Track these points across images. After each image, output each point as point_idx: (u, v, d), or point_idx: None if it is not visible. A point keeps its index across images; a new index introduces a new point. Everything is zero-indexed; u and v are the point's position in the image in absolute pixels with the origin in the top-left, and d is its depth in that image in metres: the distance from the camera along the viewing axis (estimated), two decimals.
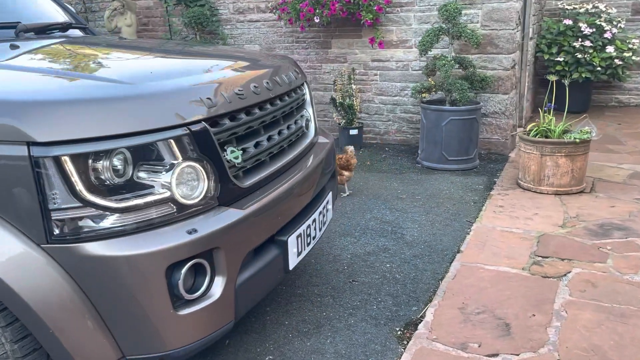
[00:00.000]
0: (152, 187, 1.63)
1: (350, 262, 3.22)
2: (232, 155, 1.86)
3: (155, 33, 7.03)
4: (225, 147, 1.85)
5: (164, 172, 1.64)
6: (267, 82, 2.16)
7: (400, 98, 5.84)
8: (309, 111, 2.66)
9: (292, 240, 2.07)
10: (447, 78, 4.82)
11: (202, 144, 1.72)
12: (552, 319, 2.57)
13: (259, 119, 2.05)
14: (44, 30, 2.76)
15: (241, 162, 1.89)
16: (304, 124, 2.49)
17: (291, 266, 2.08)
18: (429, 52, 5.18)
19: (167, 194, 1.64)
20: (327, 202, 2.50)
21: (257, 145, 2.03)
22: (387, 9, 5.56)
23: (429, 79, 5.17)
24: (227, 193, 1.81)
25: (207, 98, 1.78)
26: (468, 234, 3.58)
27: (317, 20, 5.47)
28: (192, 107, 1.72)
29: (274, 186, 2.05)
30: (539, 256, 3.21)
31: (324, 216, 2.44)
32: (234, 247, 1.75)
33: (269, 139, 2.13)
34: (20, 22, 2.61)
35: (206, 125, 1.74)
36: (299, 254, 2.14)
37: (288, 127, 2.33)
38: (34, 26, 2.61)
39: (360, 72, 5.95)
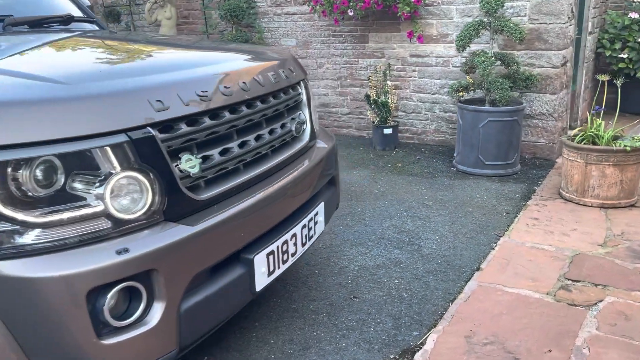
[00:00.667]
0: (85, 199, 1.46)
1: (356, 275, 2.98)
2: (188, 164, 1.67)
3: (195, 26, 6.98)
4: (179, 155, 1.66)
5: (97, 183, 1.47)
6: (244, 82, 1.96)
7: (439, 96, 5.49)
8: (304, 113, 2.44)
9: (260, 259, 1.87)
10: (486, 76, 4.45)
11: (146, 152, 1.54)
12: (571, 357, 2.24)
13: (228, 123, 1.85)
14: (40, 24, 2.66)
15: (198, 172, 1.70)
16: (294, 128, 2.27)
17: (259, 287, 1.88)
18: (469, 48, 4.82)
19: (101, 207, 1.47)
20: (317, 214, 2.28)
21: (224, 152, 1.84)
22: (427, 1, 5.22)
23: (468, 77, 4.80)
24: (177, 207, 1.63)
25: (157, 101, 1.60)
26: (493, 249, 3.26)
27: (351, 14, 5.21)
28: (136, 110, 1.54)
29: (243, 197, 1.85)
30: (568, 279, 2.85)
31: (310, 230, 2.21)
32: (177, 269, 1.56)
33: (243, 144, 1.93)
34: (11, 15, 2.53)
35: (151, 131, 1.56)
36: (270, 273, 1.94)
37: (272, 132, 2.12)
38: (25, 20, 2.51)
39: (397, 68, 5.64)
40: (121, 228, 1.51)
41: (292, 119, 2.31)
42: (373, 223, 3.68)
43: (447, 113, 5.51)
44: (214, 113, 1.80)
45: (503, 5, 4.43)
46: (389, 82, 5.48)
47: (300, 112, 2.42)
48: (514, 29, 4.41)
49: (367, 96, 5.51)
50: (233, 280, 1.78)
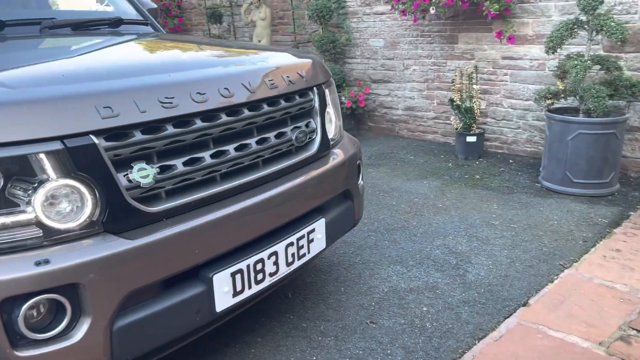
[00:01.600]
0: (19, 205, 1.44)
1: (382, 297, 2.74)
2: (140, 174, 1.59)
3: (289, 26, 7.00)
4: (132, 164, 1.59)
5: (30, 190, 1.44)
6: (225, 89, 1.84)
7: (532, 103, 4.97)
8: (315, 121, 2.27)
9: (221, 278, 1.74)
10: (578, 82, 3.91)
11: (85, 160, 1.48)
12: None
13: (198, 132, 1.74)
14: (85, 26, 2.74)
15: (150, 183, 1.61)
16: (294, 137, 2.11)
17: (220, 308, 1.75)
18: (564, 50, 4.29)
19: (32, 215, 1.44)
20: (312, 232, 2.10)
21: (193, 162, 1.73)
22: None
23: (559, 83, 4.28)
24: (121, 219, 1.55)
25: (106, 107, 1.53)
26: (551, 282, 2.83)
27: (432, 12, 4.89)
28: (77, 117, 1.49)
29: (210, 211, 1.74)
30: (633, 329, 2.39)
31: (300, 248, 2.04)
32: (108, 284, 1.48)
33: (220, 154, 1.81)
34: (53, 18, 2.63)
35: (93, 139, 1.50)
36: (236, 293, 1.80)
37: (263, 141, 1.98)
38: (65, 22, 2.60)
39: (488, 71, 5.20)
40: (54, 237, 1.46)
41: (296, 127, 2.15)
42: (423, 240, 3.39)
43: (541, 122, 4.97)
44: (181, 120, 1.70)
45: (602, 2, 3.86)
46: (475, 86, 5.07)
47: (310, 120, 2.25)
48: (615, 28, 3.83)
49: (451, 100, 5.14)
50: (187, 299, 1.67)
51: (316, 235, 2.13)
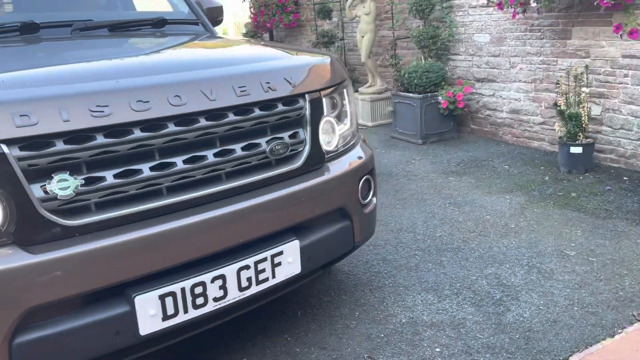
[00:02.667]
0: None
1: (395, 329, 2.44)
2: (60, 185, 1.53)
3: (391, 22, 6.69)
4: (52, 175, 1.53)
5: None
6: (177, 96, 1.71)
7: None
8: (304, 132, 2.05)
9: (145, 299, 1.62)
10: None
11: None
12: None
13: (134, 142, 1.64)
14: (122, 27, 2.79)
15: (69, 195, 1.54)
16: (269, 149, 1.92)
17: (145, 331, 1.64)
18: None
19: None
20: (280, 254, 1.89)
21: (128, 174, 1.64)
22: None
23: None
24: (33, 231, 1.50)
25: (22, 115, 1.49)
26: (612, 337, 2.31)
27: (533, 4, 4.29)
28: None
29: (142, 227, 1.63)
30: None
31: (260, 272, 1.85)
32: (5, 298, 1.44)
33: (163, 166, 1.70)
34: (90, 20, 2.71)
35: (3, 148, 1.46)
36: (167, 317, 1.67)
37: (225, 152, 1.83)
38: (97, 25, 2.65)
39: (605, 72, 4.47)
40: None
41: (276, 138, 1.95)
42: (473, 266, 2.98)
43: None
44: (115, 130, 1.61)
45: None
46: (584, 89, 4.37)
47: (299, 130, 2.04)
48: None
49: (555, 104, 4.51)
50: (105, 319, 1.58)
51: (285, 258, 1.92)
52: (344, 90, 2.37)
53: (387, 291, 2.76)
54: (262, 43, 2.52)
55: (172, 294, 1.67)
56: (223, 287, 1.77)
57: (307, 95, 2.06)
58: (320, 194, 2.05)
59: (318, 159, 2.10)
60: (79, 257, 1.53)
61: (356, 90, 6.93)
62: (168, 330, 1.70)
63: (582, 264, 2.93)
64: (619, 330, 2.35)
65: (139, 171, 1.65)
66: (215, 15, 3.62)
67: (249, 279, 1.83)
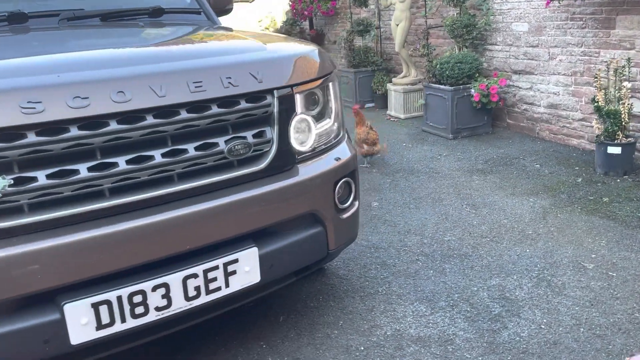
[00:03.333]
0: None
1: (377, 343, 2.27)
2: None
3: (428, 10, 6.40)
4: None
5: None
6: (121, 92, 1.61)
7: None
8: (271, 131, 1.91)
9: (76, 307, 1.54)
10: None
11: None
12: None
13: (70, 141, 1.55)
14: (115, 17, 2.72)
15: None
16: (228, 149, 1.79)
17: (76, 340, 1.55)
18: None
19: None
20: (234, 262, 1.77)
21: (63, 174, 1.55)
22: None
23: None
24: None
25: None
26: None
27: None
28: None
29: (74, 231, 1.55)
30: None
31: (211, 282, 1.73)
32: None
33: (104, 166, 1.60)
34: (82, 9, 2.65)
35: None
36: (101, 327, 1.58)
37: (176, 152, 1.71)
38: (83, 14, 2.58)
39: None
40: None
41: (237, 137, 1.82)
42: (477, 276, 2.76)
43: None
44: (48, 128, 1.52)
45: None
46: (626, 83, 4.00)
47: (265, 129, 1.90)
48: None
49: (593, 100, 4.16)
50: (32, 327, 1.51)
51: (241, 266, 1.79)
52: (330, 84, 2.21)
53: (379, 299, 2.60)
54: (250, 35, 2.38)
55: (107, 303, 1.58)
56: (166, 296, 1.67)
57: (275, 92, 1.91)
58: (285, 198, 1.90)
59: (287, 160, 1.96)
60: (5, 261, 1.45)
61: (390, 81, 6.70)
62: (105, 340, 1.61)
63: (599, 279, 2.66)
64: (626, 358, 2.10)
65: (76, 171, 1.57)
66: (224, 4, 3.51)
67: (197, 288, 1.72)
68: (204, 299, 1.74)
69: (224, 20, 3.28)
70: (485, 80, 5.25)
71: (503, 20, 5.38)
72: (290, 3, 8.64)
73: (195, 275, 1.70)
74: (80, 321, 1.55)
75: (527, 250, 3.00)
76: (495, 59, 5.59)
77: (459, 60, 5.28)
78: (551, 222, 3.34)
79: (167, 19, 2.85)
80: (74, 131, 1.55)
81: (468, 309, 2.48)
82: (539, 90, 5.14)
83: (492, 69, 5.61)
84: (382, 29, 7.30)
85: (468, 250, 3.04)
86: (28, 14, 2.44)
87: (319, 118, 2.14)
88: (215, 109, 1.77)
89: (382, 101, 6.96)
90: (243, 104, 1.84)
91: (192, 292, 1.71)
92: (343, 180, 2.12)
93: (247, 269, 1.81)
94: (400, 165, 4.64)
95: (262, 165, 1.88)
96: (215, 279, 1.75)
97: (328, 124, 2.18)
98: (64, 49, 1.94)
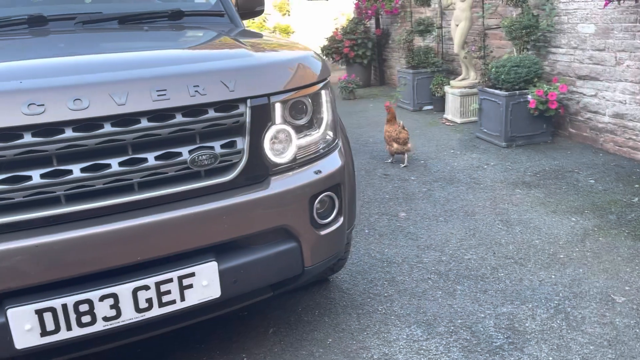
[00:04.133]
0: None
1: None
2: None
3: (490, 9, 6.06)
4: None
5: None
6: (78, 99, 1.60)
7: None
8: (244, 141, 1.84)
9: (20, 313, 1.55)
10: None
11: None
12: None
13: (22, 148, 1.56)
14: (138, 20, 2.76)
15: None
16: (191, 160, 1.75)
17: (21, 345, 1.56)
18: None
19: None
20: (191, 276, 1.72)
21: (14, 180, 1.57)
22: None
23: None
24: None
25: None
26: None
27: None
28: None
29: (20, 237, 1.56)
30: None
31: (164, 294, 1.69)
32: None
33: (58, 174, 1.61)
34: (100, 12, 2.72)
35: None
36: (46, 333, 1.58)
37: (135, 161, 1.69)
38: (99, 18, 2.63)
39: None
40: None
41: (203, 147, 1.78)
42: (488, 301, 2.55)
43: None
44: (0, 134, 1.55)
45: None
46: None
47: (236, 139, 1.84)
48: None
49: None
50: None
51: (198, 281, 1.74)
52: (322, 92, 2.11)
53: (375, 319, 2.47)
54: (252, 40, 2.33)
55: (52, 310, 1.58)
56: (115, 306, 1.65)
57: (249, 101, 1.84)
58: (252, 212, 1.83)
59: (259, 172, 1.88)
60: None
61: (447, 83, 6.44)
62: (52, 346, 1.62)
63: (626, 315, 2.38)
64: None
65: (28, 178, 1.58)
66: (253, 5, 3.48)
67: (148, 300, 1.69)
68: (157, 311, 1.71)
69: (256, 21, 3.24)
70: (545, 85, 4.89)
71: (568, 21, 4.98)
72: (355, 2, 8.52)
73: (146, 287, 1.68)
74: (24, 326, 1.57)
75: (553, 276, 2.74)
76: (558, 62, 5.20)
77: (516, 63, 4.96)
78: (589, 246, 3.03)
79: (187, 21, 2.85)
80: (27, 138, 1.57)
81: (467, 338, 2.29)
82: (604, 97, 4.72)
83: (556, 73, 5.23)
84: (444, 29, 7.03)
85: (487, 271, 2.83)
86: (47, 17, 2.52)
87: (305, 128, 2.05)
88: (179, 118, 1.73)
89: (441, 104, 6.70)
90: (211, 114, 1.78)
91: (143, 304, 1.68)
92: (324, 194, 2.01)
93: (204, 283, 1.76)
94: (442, 173, 4.43)
95: (230, 176, 1.82)
96: (169, 292, 1.71)
97: (316, 134, 2.08)
98: (30, 55, 1.96)
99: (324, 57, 7.90)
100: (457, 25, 6.02)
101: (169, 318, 1.76)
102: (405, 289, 2.70)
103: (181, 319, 1.82)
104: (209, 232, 1.77)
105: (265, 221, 1.86)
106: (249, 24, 15.81)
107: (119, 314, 1.66)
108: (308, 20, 15.07)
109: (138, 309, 1.68)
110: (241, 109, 1.84)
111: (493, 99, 5.15)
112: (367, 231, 3.40)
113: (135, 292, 1.67)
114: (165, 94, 1.70)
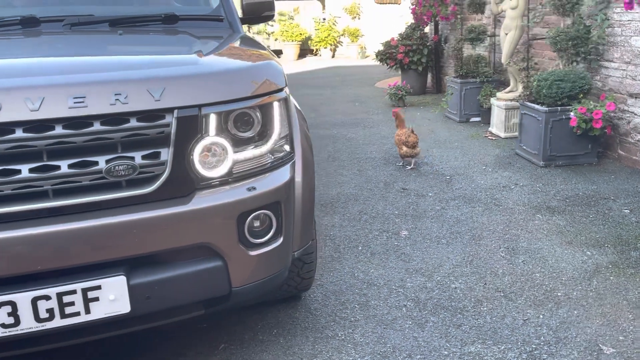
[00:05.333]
0: None
1: None
2: None
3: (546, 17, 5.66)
4: None
5: None
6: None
7: None
8: (168, 153, 1.78)
9: None
10: None
11: None
12: None
13: None
14: (130, 23, 2.78)
15: None
16: (106, 170, 1.70)
17: None
18: None
19: None
20: (96, 289, 1.68)
21: None
22: None
23: None
24: None
25: None
26: None
27: None
28: None
29: None
30: None
31: (67, 306, 1.65)
32: None
33: None
34: (92, 15, 2.76)
35: None
36: None
37: (48, 168, 1.67)
38: (88, 20, 2.66)
39: None
40: None
41: (123, 157, 1.73)
42: (458, 338, 2.34)
43: None
44: None
45: None
46: None
47: (160, 151, 1.77)
48: None
49: None
50: None
51: (105, 294, 1.70)
52: (274, 104, 2.01)
53: (331, 345, 2.33)
54: (206, 48, 2.26)
55: None
56: (13, 314, 1.64)
57: (176, 111, 1.78)
58: (170, 227, 1.76)
59: (184, 185, 1.81)
60: None
61: (493, 95, 6.10)
62: None
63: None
64: None
65: None
66: (261, 11, 3.42)
67: (49, 311, 1.66)
68: (59, 322, 1.68)
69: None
70: (591, 102, 4.49)
71: (622, 34, 4.55)
72: (411, 7, 8.29)
73: (47, 297, 1.65)
74: None
75: (541, 316, 2.48)
76: (610, 78, 4.77)
77: (560, 77, 4.59)
78: (595, 285, 2.73)
79: (181, 26, 2.83)
80: None
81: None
82: None
83: (607, 89, 4.80)
84: (497, 37, 6.66)
85: (469, 303, 2.61)
86: (40, 19, 2.58)
87: (251, 141, 1.96)
88: (97, 127, 1.70)
89: (488, 116, 6.35)
90: (133, 123, 1.73)
91: (43, 314, 1.66)
92: (258, 212, 1.91)
93: (111, 297, 1.71)
94: (463, 191, 4.17)
95: (150, 189, 1.77)
96: (72, 304, 1.68)
97: (262, 148, 1.98)
98: None
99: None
100: (507, 34, 5.68)
101: (76, 330, 1.73)
102: (375, 315, 2.54)
103: (90, 331, 1.78)
104: (119, 245, 1.72)
105: (185, 237, 1.79)
106: (318, 27, 15.87)
107: (17, 322, 1.65)
108: (378, 24, 14.92)
109: (38, 319, 1.66)
110: (168, 119, 1.77)
111: (533, 114, 4.80)
112: (360, 248, 3.25)
113: (34, 301, 1.64)
114: (82, 102, 1.67)
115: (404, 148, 4.69)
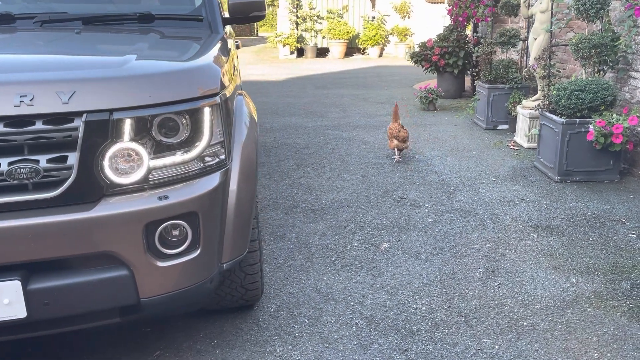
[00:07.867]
0: None
1: None
2: None
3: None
4: None
5: None
6: None
7: None
8: (75, 157, 1.75)
9: None
10: None
11: None
12: None
13: None
14: (104, 21, 2.79)
15: None
16: (7, 172, 1.69)
17: None
18: None
19: None
20: None
21: None
22: None
23: None
24: None
25: None
26: None
27: None
28: None
29: None
30: None
31: None
32: None
33: None
34: (65, 13, 2.80)
35: None
36: None
37: None
38: (59, 18, 2.69)
39: None
40: None
41: (26, 160, 1.71)
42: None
43: None
44: None
45: None
46: None
47: (67, 154, 1.74)
48: None
49: None
50: None
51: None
52: (204, 110, 1.95)
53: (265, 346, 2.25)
54: (148, 49, 2.21)
55: None
56: None
57: (85, 115, 1.74)
58: (69, 233, 1.73)
59: (91, 191, 1.77)
60: None
61: (520, 103, 5.80)
62: None
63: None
64: None
65: None
66: (249, 11, 3.35)
67: None
68: None
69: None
70: (614, 115, 4.17)
71: None
72: (447, 7, 8.02)
73: None
74: None
75: (496, 347, 2.30)
76: (638, 90, 4.42)
77: (580, 87, 4.29)
78: (568, 317, 2.51)
79: (155, 25, 2.82)
80: None
81: None
82: None
83: (635, 101, 4.45)
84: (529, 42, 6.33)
85: (425, 327, 2.46)
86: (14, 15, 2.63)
87: (175, 147, 1.90)
88: (0, 128, 1.68)
89: (515, 124, 6.05)
90: (38, 126, 1.71)
91: None
92: (170, 222, 1.85)
93: (6, 301, 1.70)
94: (463, 204, 3.97)
95: (54, 193, 1.74)
96: None
97: (188, 154, 1.92)
98: None
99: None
100: (535, 39, 5.38)
101: None
102: (322, 332, 2.43)
103: None
104: (15, 249, 1.70)
105: (86, 244, 1.76)
106: (366, 26, 15.66)
107: None
108: (428, 23, 14.57)
109: None
110: (76, 122, 1.74)
111: (551, 125, 4.52)
112: (333, 259, 3.14)
113: None
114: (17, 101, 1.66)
115: (395, 141, 4.97)
